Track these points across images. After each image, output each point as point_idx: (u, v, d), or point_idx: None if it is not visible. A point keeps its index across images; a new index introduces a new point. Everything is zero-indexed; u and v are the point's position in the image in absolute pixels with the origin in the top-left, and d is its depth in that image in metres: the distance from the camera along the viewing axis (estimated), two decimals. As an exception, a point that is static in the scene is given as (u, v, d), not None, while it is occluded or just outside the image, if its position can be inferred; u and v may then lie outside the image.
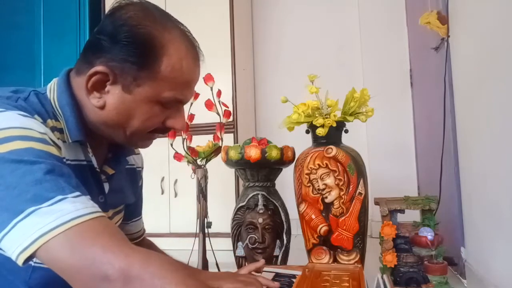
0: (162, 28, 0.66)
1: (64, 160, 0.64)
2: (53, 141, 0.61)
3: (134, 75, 0.64)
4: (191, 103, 1.39)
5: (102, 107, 0.66)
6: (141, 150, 0.90)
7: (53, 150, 0.58)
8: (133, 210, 0.92)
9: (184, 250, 1.33)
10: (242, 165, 1.32)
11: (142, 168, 0.94)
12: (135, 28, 0.64)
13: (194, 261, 1.35)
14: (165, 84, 0.66)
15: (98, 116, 0.67)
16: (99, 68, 0.64)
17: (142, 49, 0.64)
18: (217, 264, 1.45)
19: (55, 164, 0.56)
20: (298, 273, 0.99)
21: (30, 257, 0.51)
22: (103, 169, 0.75)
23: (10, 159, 0.53)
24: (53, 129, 0.64)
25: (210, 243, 1.40)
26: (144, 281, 0.50)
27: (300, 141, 1.35)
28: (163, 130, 0.73)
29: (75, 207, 0.52)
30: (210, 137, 1.45)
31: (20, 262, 0.51)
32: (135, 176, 0.89)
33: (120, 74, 0.64)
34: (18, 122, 0.57)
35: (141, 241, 0.98)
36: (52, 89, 0.68)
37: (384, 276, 1.12)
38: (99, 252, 0.50)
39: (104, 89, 0.66)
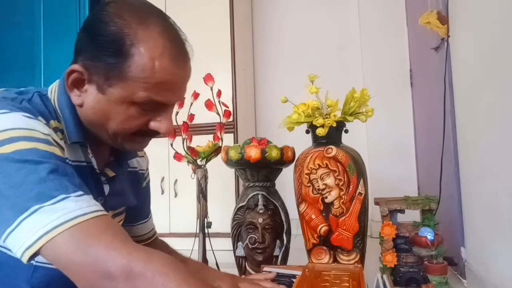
0: (137, 25, 0.61)
1: (67, 160, 0.64)
2: (56, 142, 0.61)
3: (105, 75, 0.62)
4: (191, 103, 1.39)
5: (81, 106, 0.66)
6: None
7: (56, 150, 0.59)
8: (138, 212, 0.91)
9: (184, 250, 1.32)
10: (242, 165, 1.32)
11: (147, 169, 0.93)
12: (107, 25, 0.61)
13: (194, 261, 1.35)
14: (136, 84, 0.61)
15: (82, 115, 0.67)
16: (74, 66, 0.64)
17: (111, 48, 0.61)
18: (217, 264, 1.45)
19: (59, 164, 0.57)
20: (298, 273, 0.99)
21: (34, 255, 0.51)
22: (104, 171, 0.75)
23: (15, 159, 0.54)
24: (55, 129, 0.65)
25: (210, 243, 1.40)
26: (146, 278, 0.50)
27: (300, 141, 1.35)
28: (150, 133, 0.68)
29: (78, 206, 0.53)
30: (210, 137, 1.45)
31: (25, 259, 0.51)
32: (137, 179, 0.88)
33: (94, 73, 0.63)
34: (23, 123, 0.58)
35: (152, 242, 0.96)
36: (54, 90, 0.69)
37: (384, 276, 1.12)
38: (103, 250, 0.51)
39: (83, 88, 0.65)
